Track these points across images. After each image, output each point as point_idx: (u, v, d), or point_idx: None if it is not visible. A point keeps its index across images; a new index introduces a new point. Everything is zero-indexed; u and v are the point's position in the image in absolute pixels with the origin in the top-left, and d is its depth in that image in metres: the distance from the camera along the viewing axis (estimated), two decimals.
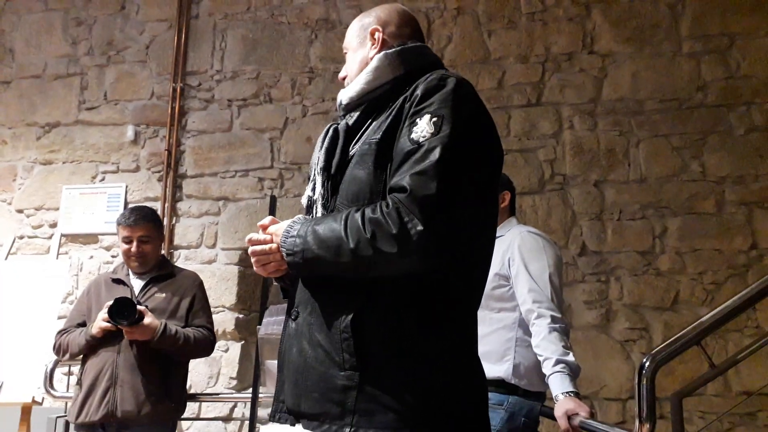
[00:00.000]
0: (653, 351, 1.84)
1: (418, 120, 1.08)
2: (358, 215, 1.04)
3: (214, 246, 3.87)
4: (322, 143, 1.23)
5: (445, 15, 3.93)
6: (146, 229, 2.55)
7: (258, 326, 2.65)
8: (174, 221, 3.94)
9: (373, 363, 1.04)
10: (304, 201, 1.25)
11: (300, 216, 1.19)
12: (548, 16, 3.80)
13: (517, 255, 2.05)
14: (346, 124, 1.23)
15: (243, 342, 3.75)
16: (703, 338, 2.16)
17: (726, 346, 3.18)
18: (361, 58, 1.32)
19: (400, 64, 1.24)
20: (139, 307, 2.34)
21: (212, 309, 3.68)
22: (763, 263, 3.24)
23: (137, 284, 2.56)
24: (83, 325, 2.52)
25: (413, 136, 1.07)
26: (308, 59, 4.03)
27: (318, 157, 1.22)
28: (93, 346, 2.42)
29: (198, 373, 3.58)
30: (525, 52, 3.77)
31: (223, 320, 3.71)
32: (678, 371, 3.07)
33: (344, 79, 1.37)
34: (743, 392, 3.13)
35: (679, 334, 2.23)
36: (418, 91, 1.11)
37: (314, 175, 1.22)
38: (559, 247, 2.25)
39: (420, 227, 0.99)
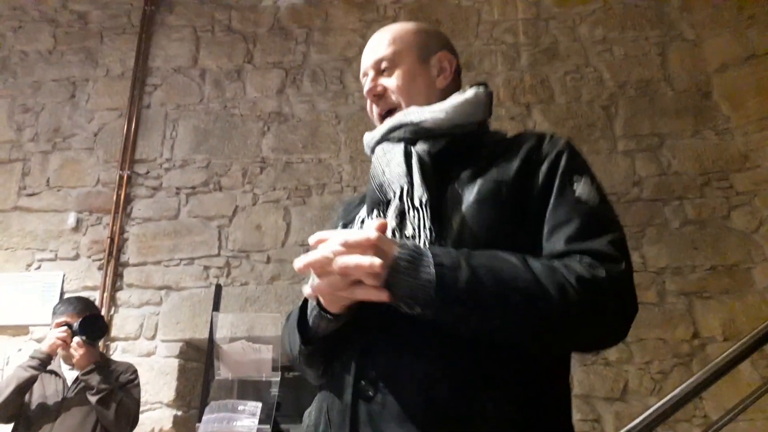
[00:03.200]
0: None
1: (576, 179, 0.93)
2: (566, 269, 0.82)
3: (153, 338, 3.69)
4: (407, 165, 0.96)
5: None
6: None
7: (197, 424, 2.50)
8: (112, 311, 3.76)
9: None
10: (410, 235, 0.91)
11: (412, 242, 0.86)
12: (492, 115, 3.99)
13: None
14: (428, 151, 0.98)
15: None
16: (654, 428, 2.15)
17: None
18: (419, 77, 1.08)
19: (487, 108, 1.08)
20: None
21: (149, 405, 3.46)
22: (706, 352, 3.30)
23: (70, 376, 2.42)
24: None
25: (580, 195, 0.91)
26: (260, 149, 4.07)
27: (404, 181, 0.93)
28: (28, 418, 2.26)
29: None
30: None
31: (160, 418, 3.47)
32: None
33: (377, 94, 1.09)
34: None
35: (629, 426, 2.21)
36: (549, 148, 0.97)
37: (401, 203, 0.92)
38: None
39: (632, 309, 0.86)
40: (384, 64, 1.09)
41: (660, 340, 3.40)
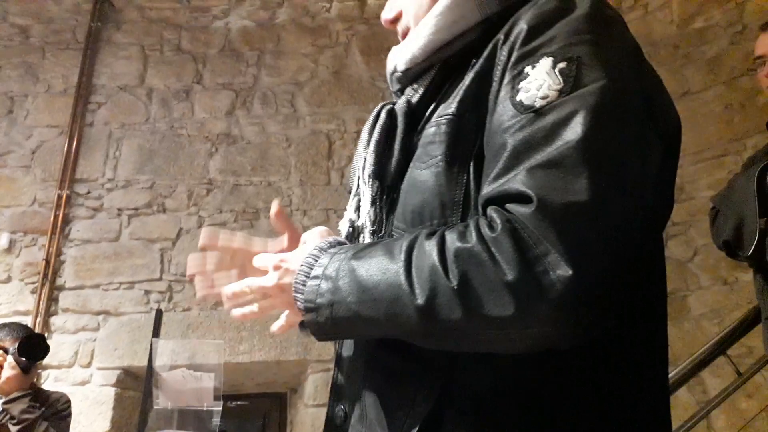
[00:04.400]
0: None
1: (527, 69, 0.61)
2: (430, 244, 0.58)
3: (89, 365, 3.52)
4: (370, 134, 0.78)
5: (346, 137, 4.09)
6: None
7: None
8: (46, 337, 3.58)
9: None
10: (343, 228, 0.80)
11: (332, 238, 0.73)
12: None
13: None
14: (407, 102, 0.78)
15: None
16: None
17: None
18: (423, 5, 0.82)
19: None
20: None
21: None
22: None
23: None
24: None
25: (520, 98, 0.60)
26: (207, 171, 4.00)
27: (363, 159, 0.77)
28: None
29: None
30: None
31: None
32: None
33: (394, 23, 0.89)
34: None
35: None
36: (523, 23, 0.65)
37: (358, 184, 0.78)
38: None
39: (564, 271, 0.51)
40: None
41: None
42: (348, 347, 0.78)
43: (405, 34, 0.86)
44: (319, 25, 4.46)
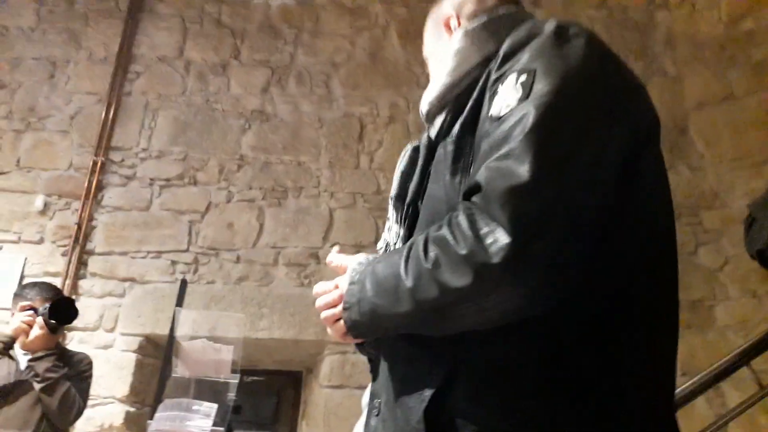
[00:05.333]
0: None
1: (499, 87, 0.73)
2: (421, 238, 0.71)
3: (113, 330, 3.61)
4: (401, 164, 0.95)
5: (378, 121, 4.08)
6: None
7: (149, 421, 2.45)
8: (75, 302, 3.67)
9: None
10: (381, 249, 0.94)
11: (369, 255, 0.86)
12: None
13: None
14: (428, 136, 0.91)
15: None
16: None
17: None
18: (440, 57, 0.95)
19: (489, 38, 0.87)
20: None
21: (101, 400, 3.38)
22: None
23: (24, 360, 2.36)
24: None
25: (492, 112, 0.72)
26: (239, 146, 4.03)
27: (396, 184, 0.94)
28: None
29: None
30: None
31: (111, 413, 3.39)
32: None
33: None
34: None
35: None
36: (500, 52, 0.77)
37: (389, 213, 0.93)
38: None
39: (504, 239, 0.62)
40: (425, 60, 1.06)
41: None
42: (380, 357, 0.87)
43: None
44: (358, 6, 4.44)
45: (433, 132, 0.90)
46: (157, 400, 2.53)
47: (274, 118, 4.10)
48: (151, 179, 3.95)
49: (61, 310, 2.33)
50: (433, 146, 0.88)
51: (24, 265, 3.74)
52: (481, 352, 0.70)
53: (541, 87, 0.68)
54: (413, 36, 4.27)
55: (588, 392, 0.67)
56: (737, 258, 3.41)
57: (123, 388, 3.46)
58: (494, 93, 0.74)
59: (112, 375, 3.48)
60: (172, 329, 2.83)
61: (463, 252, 0.64)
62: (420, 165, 0.89)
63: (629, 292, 0.72)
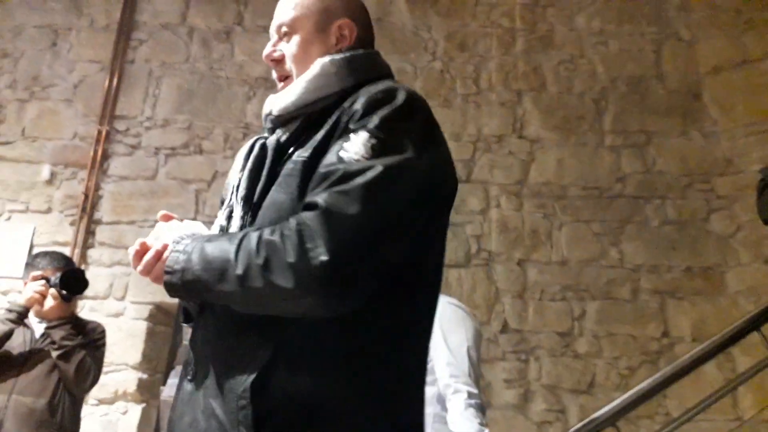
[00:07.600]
0: None
1: (353, 136, 0.88)
2: (255, 235, 0.84)
3: (123, 299, 3.63)
4: (245, 162, 1.02)
5: None
6: None
7: (162, 387, 2.47)
8: (83, 269, 3.69)
9: None
10: (216, 231, 1.03)
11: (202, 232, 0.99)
12: (482, 99, 3.96)
13: (437, 325, 2.01)
14: (277, 140, 1.00)
15: (144, 405, 3.46)
16: (617, 421, 2.16)
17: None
18: (314, 45, 1.06)
19: (350, 74, 1.02)
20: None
21: (114, 367, 3.42)
22: (674, 351, 3.33)
23: (39, 328, 2.37)
24: None
25: (342, 154, 0.87)
26: (244, 115, 3.99)
27: (238, 179, 1.01)
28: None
29: None
30: (458, 131, 3.88)
31: (125, 380, 3.43)
32: None
33: (276, 60, 1.11)
34: None
35: (592, 416, 2.22)
36: (358, 105, 0.91)
37: (231, 200, 1.01)
38: (480, 323, 2.24)
39: (323, 257, 0.78)
40: (284, 29, 1.10)
41: (630, 336, 3.43)
42: (204, 323, 0.98)
43: (282, 78, 1.11)
44: None
45: (284, 137, 1.01)
46: (169, 367, 2.54)
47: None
48: (156, 148, 3.92)
49: (72, 280, 2.34)
50: (281, 149, 0.99)
51: (33, 234, 3.75)
52: (300, 337, 0.86)
53: (384, 154, 0.86)
54: (421, 0, 4.18)
55: (372, 376, 0.88)
56: (750, 224, 3.37)
57: (135, 356, 3.50)
58: (347, 138, 0.89)
59: (124, 342, 3.51)
60: None
61: (290, 260, 0.80)
62: (267, 167, 0.98)
63: (402, 317, 0.93)
